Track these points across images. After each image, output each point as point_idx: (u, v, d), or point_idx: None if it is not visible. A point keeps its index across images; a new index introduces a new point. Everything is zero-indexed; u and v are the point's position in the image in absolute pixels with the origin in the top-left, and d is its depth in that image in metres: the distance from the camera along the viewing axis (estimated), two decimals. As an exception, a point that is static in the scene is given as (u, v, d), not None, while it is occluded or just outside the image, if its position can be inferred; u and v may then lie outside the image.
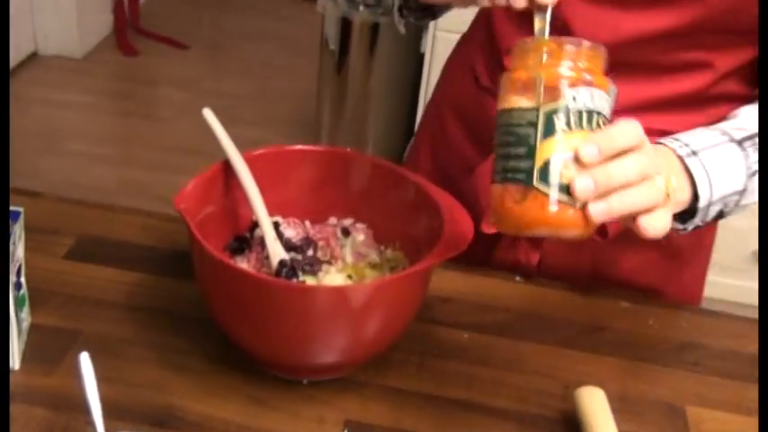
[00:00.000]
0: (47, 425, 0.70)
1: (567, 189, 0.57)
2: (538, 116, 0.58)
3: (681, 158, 0.69)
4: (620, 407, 0.74)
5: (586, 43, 0.60)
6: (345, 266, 0.83)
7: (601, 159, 0.57)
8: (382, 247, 0.86)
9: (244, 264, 0.82)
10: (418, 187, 0.82)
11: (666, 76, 0.82)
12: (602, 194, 0.57)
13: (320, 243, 0.84)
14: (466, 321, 0.86)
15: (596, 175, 0.57)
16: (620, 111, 0.81)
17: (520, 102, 0.59)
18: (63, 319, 0.81)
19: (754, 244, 1.99)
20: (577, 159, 0.57)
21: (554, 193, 0.57)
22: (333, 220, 0.88)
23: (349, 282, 0.79)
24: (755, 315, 0.89)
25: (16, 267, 0.73)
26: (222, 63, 3.35)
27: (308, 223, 0.87)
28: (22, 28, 3.07)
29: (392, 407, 0.76)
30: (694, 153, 0.69)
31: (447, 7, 0.83)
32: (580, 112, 0.58)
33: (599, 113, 0.59)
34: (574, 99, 0.58)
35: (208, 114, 0.82)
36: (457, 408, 0.76)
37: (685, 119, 0.81)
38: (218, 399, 0.75)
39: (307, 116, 2.76)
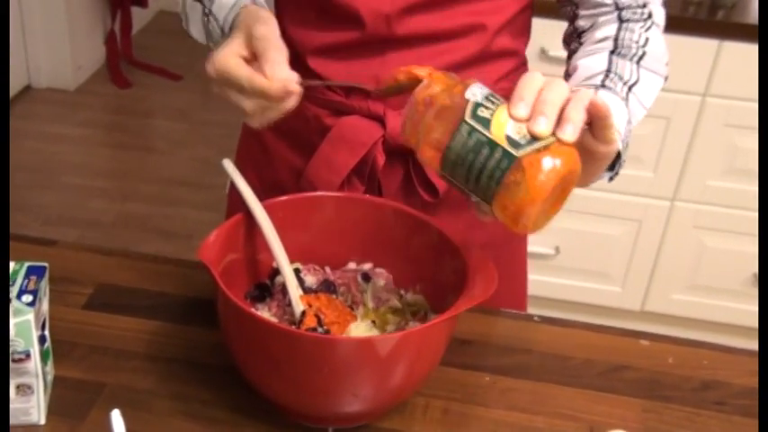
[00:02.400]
0: (76, 483, 0.70)
1: (534, 139, 0.64)
2: (468, 122, 0.65)
3: None
4: (646, 449, 0.75)
5: (424, 77, 0.70)
6: (367, 312, 0.83)
7: (531, 106, 0.65)
8: (402, 291, 0.86)
9: (265, 312, 0.82)
10: (439, 231, 0.82)
11: (449, 42, 0.91)
12: (557, 120, 0.65)
13: (341, 289, 0.84)
14: (487, 364, 0.86)
15: (539, 108, 0.65)
16: None
17: (445, 136, 0.66)
18: (86, 372, 0.81)
19: (753, 267, 2.00)
20: (518, 120, 0.65)
21: (534, 146, 0.64)
22: (352, 265, 0.88)
23: (373, 328, 0.79)
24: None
25: (41, 321, 0.73)
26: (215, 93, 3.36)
27: (327, 269, 0.87)
28: (14, 61, 3.07)
29: (419, 454, 0.76)
30: None
31: None
32: (487, 97, 0.66)
33: (492, 94, 0.67)
34: (474, 95, 0.66)
35: (228, 165, 0.83)
36: (483, 453, 0.76)
37: (474, 76, 0.90)
38: (244, 450, 0.75)
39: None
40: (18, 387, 0.72)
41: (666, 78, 0.89)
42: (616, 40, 0.87)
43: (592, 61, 0.85)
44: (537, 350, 0.89)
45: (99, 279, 0.93)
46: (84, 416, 0.76)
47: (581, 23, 0.93)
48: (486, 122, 0.64)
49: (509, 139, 0.64)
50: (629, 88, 0.83)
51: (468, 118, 0.65)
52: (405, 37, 0.89)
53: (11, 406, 0.72)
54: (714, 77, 1.82)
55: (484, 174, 0.65)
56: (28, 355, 0.70)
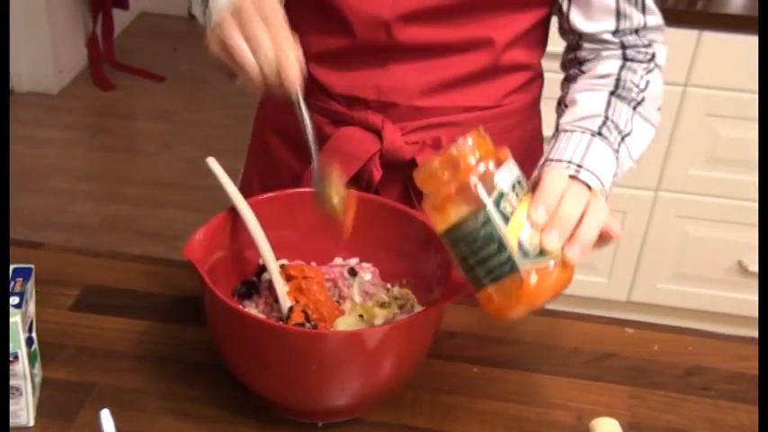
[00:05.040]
0: (67, 483, 0.70)
1: (542, 252, 0.64)
2: (488, 212, 0.63)
3: (575, 178, 0.74)
4: (633, 435, 0.75)
5: (469, 136, 0.65)
6: (355, 306, 0.83)
7: (550, 213, 0.65)
8: (389, 285, 0.87)
9: (252, 308, 0.83)
10: (424, 225, 0.83)
11: (454, 56, 0.90)
12: (570, 237, 0.64)
13: (328, 284, 0.85)
14: (474, 355, 0.87)
15: (557, 224, 0.64)
16: (422, 92, 0.90)
17: (462, 212, 0.63)
18: (74, 373, 0.81)
19: (738, 255, 2.02)
20: (534, 225, 0.64)
21: (539, 261, 0.63)
22: (338, 260, 0.88)
23: (361, 321, 0.80)
24: (754, 333, 0.91)
25: (28, 323, 0.73)
26: (199, 94, 3.35)
27: (314, 264, 0.87)
28: (-4, 66, 3.05)
29: (409, 445, 0.76)
30: (579, 167, 0.75)
31: None
32: (513, 187, 0.64)
33: (519, 180, 0.66)
34: (502, 180, 0.64)
35: (212, 163, 0.83)
36: (472, 443, 0.77)
37: (482, 92, 0.92)
38: (235, 446, 0.75)
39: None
40: (6, 389, 0.72)
41: (656, 128, 0.88)
42: (618, 79, 0.86)
43: (591, 99, 0.85)
44: (524, 341, 0.89)
45: (86, 281, 0.93)
46: (73, 417, 0.76)
47: (583, 54, 0.91)
48: (505, 219, 0.63)
49: (520, 245, 0.63)
50: (623, 138, 0.83)
51: (488, 206, 0.63)
52: (406, 46, 0.87)
53: (-1, 408, 0.72)
54: (694, 67, 1.83)
55: (483, 266, 0.64)
56: (16, 357, 0.70)
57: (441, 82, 0.91)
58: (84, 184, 2.78)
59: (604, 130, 0.81)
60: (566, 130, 0.81)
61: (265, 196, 0.85)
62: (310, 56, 0.91)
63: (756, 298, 2.04)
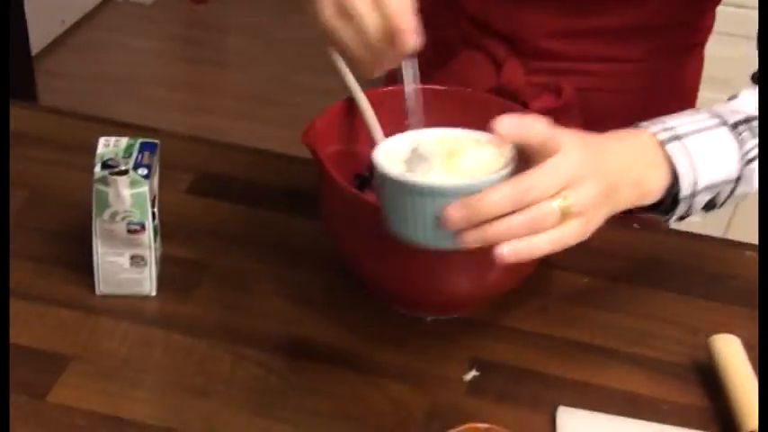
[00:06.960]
0: (186, 350, 0.72)
1: None
2: None
3: (661, 144, 0.65)
4: (750, 356, 0.73)
5: None
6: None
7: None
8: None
9: (365, 202, 0.82)
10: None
11: (600, 6, 0.82)
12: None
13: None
14: (585, 266, 0.85)
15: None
16: (552, 34, 0.85)
17: None
18: (190, 252, 0.82)
19: None
20: None
21: None
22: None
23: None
24: None
25: (152, 198, 0.74)
26: (290, 10, 3.33)
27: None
28: (94, -27, 3.09)
29: (517, 347, 0.76)
30: (678, 137, 0.64)
31: None
32: None
33: None
34: None
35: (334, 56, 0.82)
36: (579, 349, 0.76)
37: (625, 44, 0.85)
38: (343, 332, 0.76)
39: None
40: (132, 258, 0.73)
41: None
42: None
43: (751, 96, 0.69)
44: (635, 256, 0.87)
45: (198, 167, 0.94)
46: (191, 291, 0.78)
47: None
48: None
49: None
50: (750, 160, 0.67)
51: None
52: None
53: (124, 276, 0.74)
54: None
55: None
56: (142, 227, 0.72)
57: (576, 29, 0.84)
58: (175, 93, 2.81)
59: (742, 128, 0.66)
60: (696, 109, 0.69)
61: (384, 89, 0.84)
62: None
63: None
